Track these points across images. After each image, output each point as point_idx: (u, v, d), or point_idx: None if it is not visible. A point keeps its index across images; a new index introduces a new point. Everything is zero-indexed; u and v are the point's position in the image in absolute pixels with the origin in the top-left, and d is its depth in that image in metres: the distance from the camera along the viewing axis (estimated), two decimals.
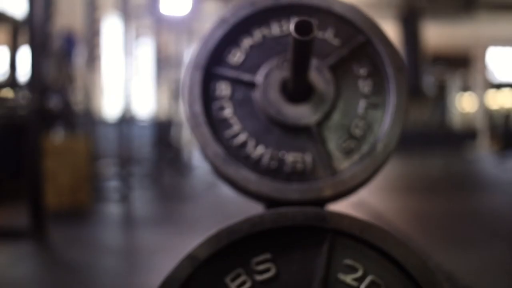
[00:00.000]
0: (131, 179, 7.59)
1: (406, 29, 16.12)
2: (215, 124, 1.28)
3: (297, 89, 1.28)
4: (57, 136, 6.43)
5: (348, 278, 1.12)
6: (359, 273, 1.12)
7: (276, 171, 1.26)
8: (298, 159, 1.26)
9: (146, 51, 12.28)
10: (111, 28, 11.26)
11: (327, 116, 1.28)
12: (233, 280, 1.12)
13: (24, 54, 6.55)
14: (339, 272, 1.12)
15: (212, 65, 1.30)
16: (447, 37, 17.66)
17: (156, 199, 7.44)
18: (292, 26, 1.07)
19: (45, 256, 4.18)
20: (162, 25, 10.75)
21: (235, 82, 1.30)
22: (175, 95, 10.97)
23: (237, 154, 1.26)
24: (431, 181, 9.29)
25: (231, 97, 1.30)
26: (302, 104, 1.28)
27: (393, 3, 15.78)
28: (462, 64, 19.06)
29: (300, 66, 1.19)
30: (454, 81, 19.91)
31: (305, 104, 1.28)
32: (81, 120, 7.05)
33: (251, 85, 1.30)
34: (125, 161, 7.45)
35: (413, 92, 15.34)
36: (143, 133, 9.64)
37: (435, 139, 16.68)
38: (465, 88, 19.90)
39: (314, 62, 1.29)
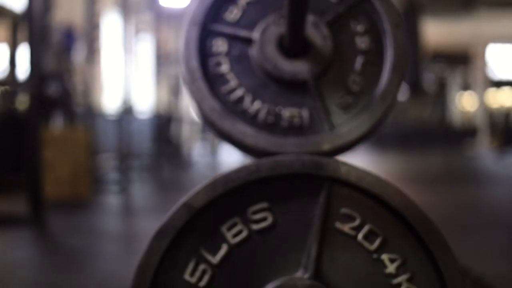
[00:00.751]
0: (131, 173, 7.57)
1: (405, 26, 16.07)
2: (211, 80, 1.27)
3: (294, 44, 1.26)
4: (56, 126, 6.42)
5: (346, 227, 1.11)
6: (356, 222, 1.11)
7: (273, 126, 1.25)
8: (295, 114, 1.25)
9: (145, 47, 12.26)
10: (111, 24, 11.24)
11: (324, 71, 1.27)
12: (229, 229, 1.10)
13: (24, 51, 6.55)
14: (336, 221, 1.11)
15: (208, 22, 1.29)
16: (447, 34, 17.64)
17: (155, 191, 7.43)
18: None
19: (44, 242, 4.19)
20: (161, 21, 10.74)
21: (231, 38, 1.29)
22: (174, 91, 10.96)
23: (234, 109, 1.25)
24: (432, 177, 9.27)
25: (228, 53, 1.29)
26: (299, 60, 1.27)
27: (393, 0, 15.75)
28: (462, 61, 19.04)
29: (296, 17, 1.18)
30: (454, 78, 19.89)
31: (302, 60, 1.27)
32: (81, 114, 7.04)
33: (248, 41, 1.29)
34: (125, 155, 7.44)
35: (413, 89, 15.31)
36: (142, 128, 9.63)
37: (435, 137, 16.66)
38: (465, 86, 19.88)
39: (311, 18, 1.28)
